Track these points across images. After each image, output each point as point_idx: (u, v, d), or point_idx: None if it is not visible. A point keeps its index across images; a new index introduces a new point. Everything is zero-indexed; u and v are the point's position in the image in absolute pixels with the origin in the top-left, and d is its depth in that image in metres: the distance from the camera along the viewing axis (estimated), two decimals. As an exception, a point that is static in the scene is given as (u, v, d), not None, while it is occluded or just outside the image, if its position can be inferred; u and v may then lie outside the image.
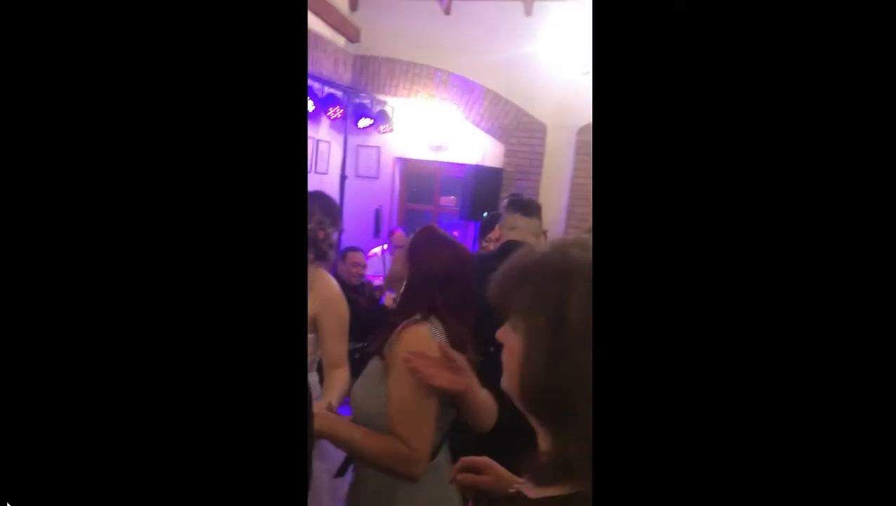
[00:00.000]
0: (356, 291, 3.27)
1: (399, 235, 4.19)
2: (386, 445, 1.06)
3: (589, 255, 0.59)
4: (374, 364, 1.17)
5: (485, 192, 4.34)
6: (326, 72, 4.23)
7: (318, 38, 4.08)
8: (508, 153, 4.61)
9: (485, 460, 0.89)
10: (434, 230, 1.25)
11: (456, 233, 5.25)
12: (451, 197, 5.11)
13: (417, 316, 1.11)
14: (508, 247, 1.68)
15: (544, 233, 1.77)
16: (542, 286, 0.60)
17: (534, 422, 0.63)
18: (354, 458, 1.17)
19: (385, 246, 4.24)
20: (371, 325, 1.54)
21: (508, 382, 0.63)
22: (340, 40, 4.52)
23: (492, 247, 2.39)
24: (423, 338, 1.08)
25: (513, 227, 1.70)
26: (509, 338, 0.63)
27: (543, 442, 0.62)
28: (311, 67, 3.86)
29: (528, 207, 1.71)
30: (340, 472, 1.22)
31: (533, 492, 0.62)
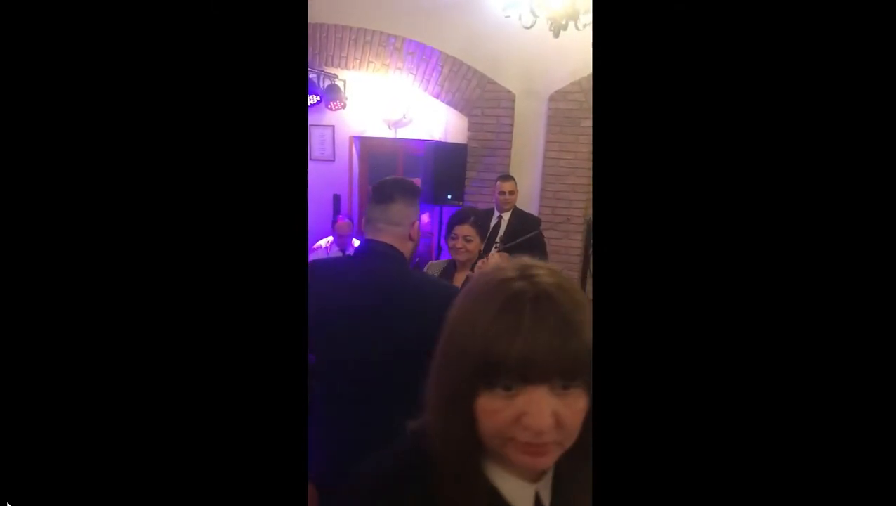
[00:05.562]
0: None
1: (344, 223, 3.77)
2: None
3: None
4: None
5: (448, 172, 3.85)
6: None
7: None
8: (473, 126, 4.10)
9: None
10: None
11: (426, 217, 4.82)
12: (416, 179, 4.65)
13: None
14: (370, 248, 1.28)
15: (417, 219, 1.32)
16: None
17: None
18: None
19: (331, 238, 3.81)
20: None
21: None
22: (280, 8, 4.06)
23: (458, 245, 2.00)
24: None
25: (370, 219, 1.31)
26: None
27: None
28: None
29: (383, 194, 1.29)
30: None
31: None
